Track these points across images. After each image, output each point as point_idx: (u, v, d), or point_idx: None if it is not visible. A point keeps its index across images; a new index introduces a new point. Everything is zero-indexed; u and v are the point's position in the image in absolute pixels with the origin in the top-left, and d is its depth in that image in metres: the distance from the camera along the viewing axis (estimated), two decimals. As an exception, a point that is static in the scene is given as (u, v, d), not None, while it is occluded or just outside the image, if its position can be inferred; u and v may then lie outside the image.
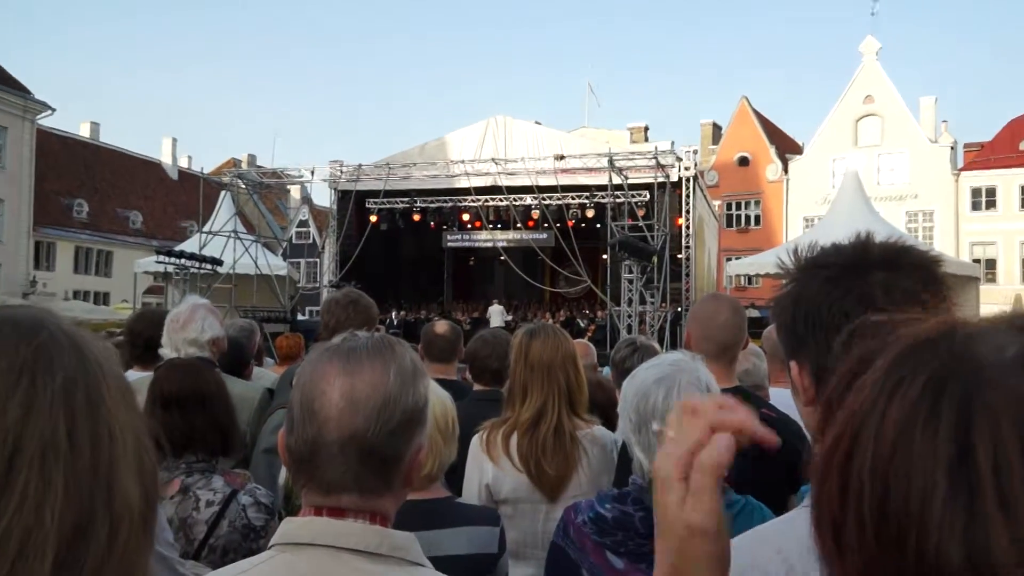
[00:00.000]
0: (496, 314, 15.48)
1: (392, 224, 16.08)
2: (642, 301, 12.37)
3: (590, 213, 14.82)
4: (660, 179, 13.09)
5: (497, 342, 2.01)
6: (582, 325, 15.66)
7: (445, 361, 2.17)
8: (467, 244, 17.67)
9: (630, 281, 12.36)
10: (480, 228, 16.28)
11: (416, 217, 16.20)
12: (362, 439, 0.78)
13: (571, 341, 1.60)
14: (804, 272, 0.76)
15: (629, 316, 12.23)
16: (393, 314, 16.55)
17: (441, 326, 2.27)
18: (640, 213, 13.48)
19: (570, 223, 14.93)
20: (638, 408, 1.07)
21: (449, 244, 17.76)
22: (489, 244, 16.96)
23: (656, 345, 2.11)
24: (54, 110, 18.69)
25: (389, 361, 0.83)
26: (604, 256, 16.40)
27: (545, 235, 16.04)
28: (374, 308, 2.07)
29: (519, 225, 15.32)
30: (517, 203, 14.74)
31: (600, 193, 13.54)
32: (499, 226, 17.27)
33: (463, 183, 14.50)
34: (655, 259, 12.38)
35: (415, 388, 0.82)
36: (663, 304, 13.61)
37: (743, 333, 1.63)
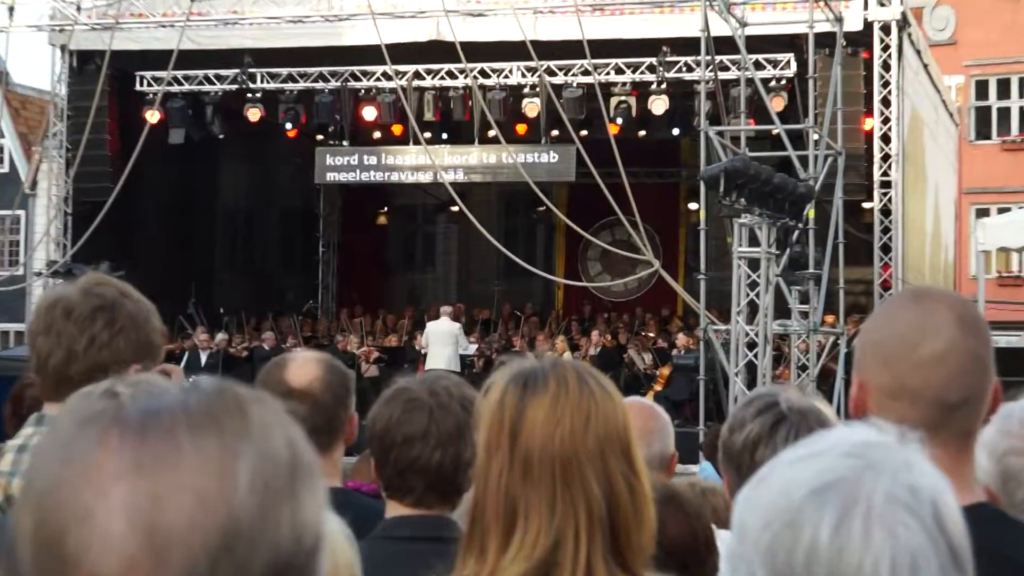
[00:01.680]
0: (442, 336, 17.76)
1: (197, 128, 18.09)
2: (782, 310, 13.55)
3: (658, 106, 16.72)
4: (821, 27, 13.39)
5: (442, 405, 2.20)
6: (642, 364, 18.38)
7: (320, 450, 2.26)
8: (374, 178, 19.75)
9: (751, 264, 13.13)
10: (403, 140, 18.47)
11: (254, 114, 18.08)
12: None
13: (617, 402, 1.65)
14: None
15: (750, 342, 13.21)
16: (201, 336, 18.60)
17: (304, 367, 2.52)
18: (776, 105, 14.41)
19: (613, 129, 16.46)
20: (773, 558, 0.98)
21: (332, 177, 20.08)
22: (427, 178, 19.67)
23: (823, 408, 2.19)
24: None
25: (235, 443, 0.82)
26: (691, 207, 20.00)
27: (554, 157, 18.25)
28: (154, 319, 2.17)
29: (494, 135, 17.03)
30: (490, 84, 16.83)
31: (681, 63, 14.94)
32: (449, 137, 19.63)
33: (364, 36, 15.84)
34: (809, 214, 13.29)
35: (294, 507, 0.83)
36: (831, 317, 15.22)
37: (986, 377, 1.63)
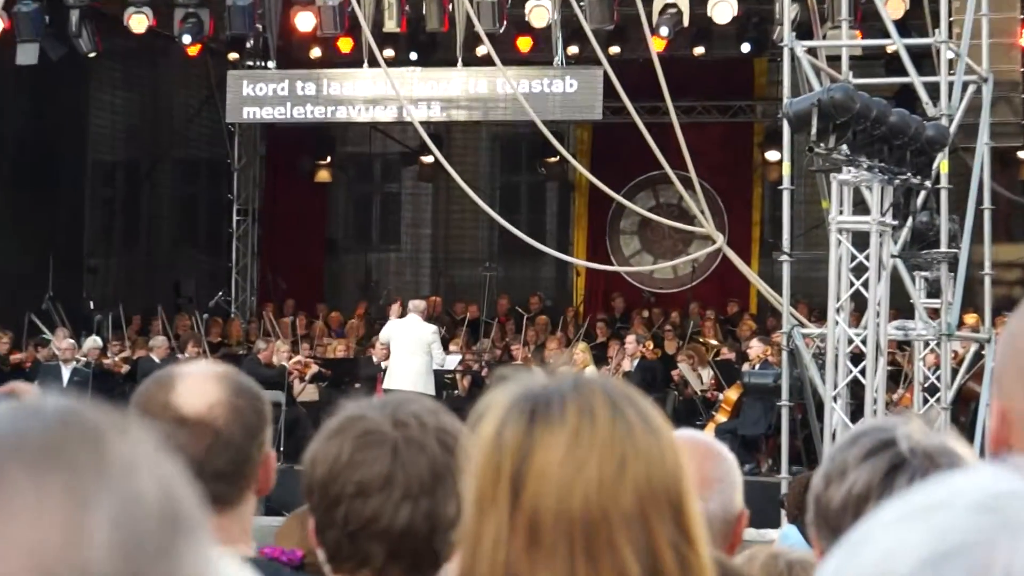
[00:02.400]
0: (410, 343, 17.91)
1: (57, 43, 19.00)
2: (901, 307, 14.30)
3: (722, 11, 17.27)
4: None
5: (411, 440, 2.29)
6: (699, 384, 18.75)
7: (221, 502, 2.49)
8: (311, 115, 19.99)
9: (856, 240, 13.47)
10: (354, 60, 19.12)
11: (139, 22, 18.87)
12: None
13: (664, 439, 1.70)
14: None
15: (856, 353, 13.54)
16: (62, 343, 19.10)
17: (199, 387, 2.58)
18: (893, 10, 15.13)
19: (658, 45, 16.93)
20: None
21: (251, 114, 20.30)
22: (388, 115, 20.22)
23: (960, 449, 2.26)
24: None
25: (88, 487, 0.87)
26: (770, 157, 20.43)
27: (572, 86, 18.65)
28: None
29: (485, 54, 17.09)
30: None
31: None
32: (420, 57, 20.90)
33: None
34: (941, 167, 13.61)
35: (169, 572, 0.88)
36: (972, 317, 16.24)
37: None
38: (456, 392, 18.70)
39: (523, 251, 20.31)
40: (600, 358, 19.26)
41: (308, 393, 19.12)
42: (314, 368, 19.27)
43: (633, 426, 1.67)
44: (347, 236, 26.52)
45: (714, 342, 20.13)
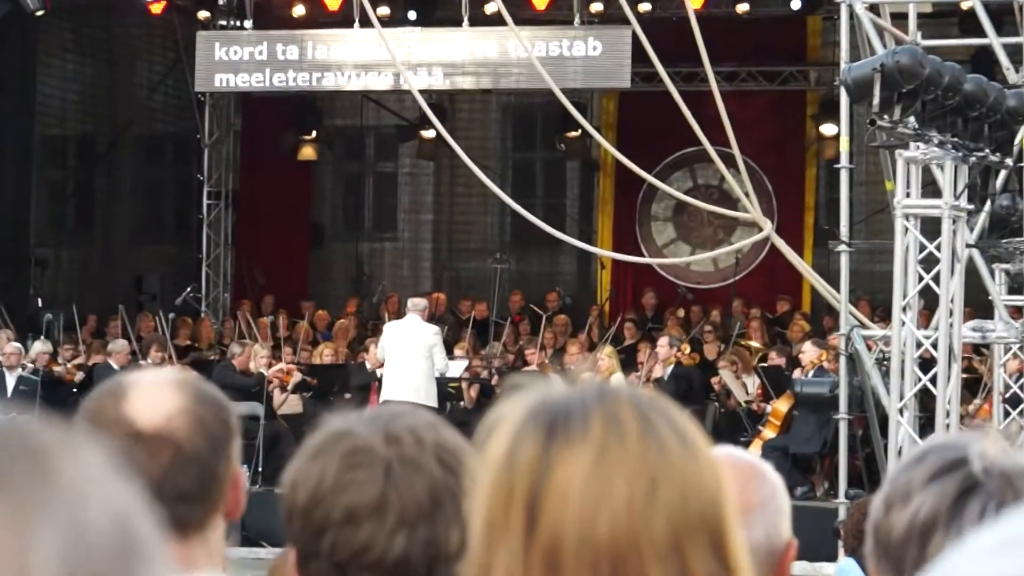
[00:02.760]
0: (409, 347, 17.82)
1: None
2: (978, 305, 14.64)
3: None
4: None
5: (407, 460, 2.32)
6: (743, 395, 18.82)
7: (184, 526, 2.56)
8: (293, 83, 20.23)
9: (925, 227, 13.55)
10: (343, 20, 19.69)
11: None
12: None
13: (703, 457, 1.72)
14: None
15: (925, 358, 13.73)
16: (6, 348, 18.88)
17: (157, 396, 2.63)
18: None
19: (695, 1, 17.40)
20: None
21: (224, 82, 20.51)
22: (383, 84, 20.49)
23: None
24: None
25: (30, 514, 0.88)
26: (825, 131, 20.69)
27: (596, 49, 18.78)
28: None
29: (494, 12, 17.67)
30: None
31: None
32: (419, 16, 20.65)
33: None
34: None
35: None
36: None
37: None
38: (462, 404, 18.79)
39: (539, 240, 20.46)
40: (629, 364, 19.32)
41: (290, 405, 19.16)
42: (297, 376, 19.29)
43: (666, 443, 1.68)
44: (335, 223, 26.54)
45: (760, 345, 20.21)
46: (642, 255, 22.67)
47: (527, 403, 1.71)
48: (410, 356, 17.51)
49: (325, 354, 20.41)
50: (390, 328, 18.19)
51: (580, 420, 1.67)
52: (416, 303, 18.26)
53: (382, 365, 18.02)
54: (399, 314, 18.23)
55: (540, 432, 1.68)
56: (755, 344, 20.24)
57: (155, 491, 1.78)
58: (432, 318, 19.11)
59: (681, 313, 21.93)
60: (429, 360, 17.62)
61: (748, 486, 2.83)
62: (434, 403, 16.89)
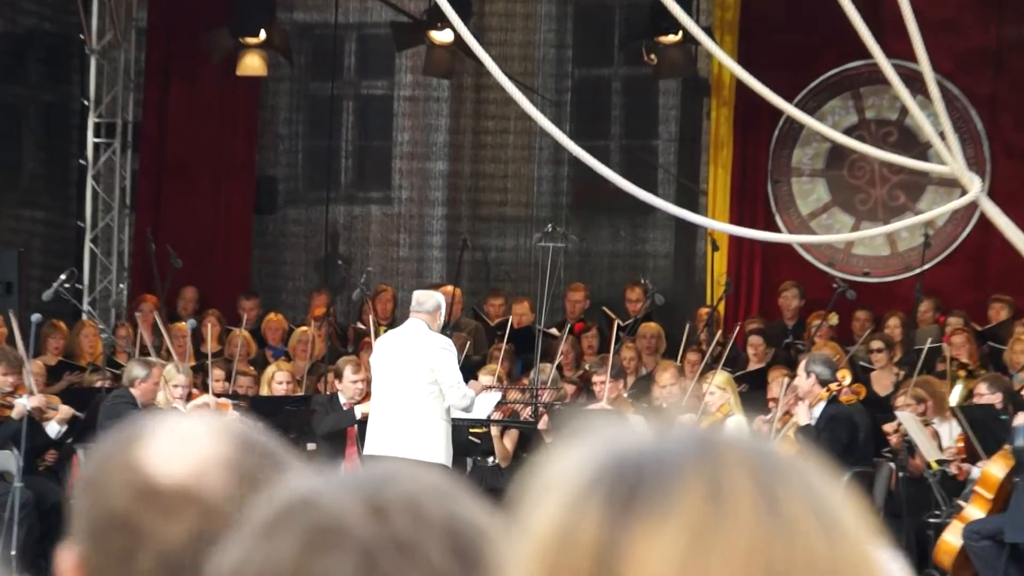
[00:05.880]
0: (408, 370, 18.41)
1: None
2: None
3: None
4: None
5: (402, 544, 2.41)
6: (932, 456, 19.35)
7: None
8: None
9: None
10: None
11: None
12: None
13: (856, 546, 1.80)
14: None
15: None
16: None
17: (189, 441, 2.88)
18: None
19: None
20: None
21: None
22: None
23: None
24: None
25: None
26: None
27: None
28: None
29: None
30: None
31: None
32: None
33: None
34: None
35: None
36: None
37: None
38: (491, 460, 18.97)
39: (615, 205, 21.03)
40: (753, 400, 19.46)
41: None
42: (233, 416, 18.95)
43: (797, 524, 1.72)
44: (294, 176, 26.81)
45: (965, 373, 20.15)
46: (777, 229, 22.92)
47: (591, 460, 1.76)
48: (408, 385, 17.57)
49: (277, 381, 20.47)
50: (383, 344, 18.28)
51: (668, 487, 1.73)
52: (423, 300, 18.28)
53: (365, 398, 18.13)
54: (394, 319, 18.07)
55: (609, 503, 1.74)
56: (957, 372, 20.16)
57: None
58: (445, 326, 19.21)
59: (836, 320, 22.01)
60: (437, 391, 17.70)
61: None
62: (444, 457, 17.05)
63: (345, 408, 18.84)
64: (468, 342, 20.77)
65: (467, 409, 18.23)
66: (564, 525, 1.73)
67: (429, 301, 18.26)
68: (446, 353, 17.89)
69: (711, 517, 1.70)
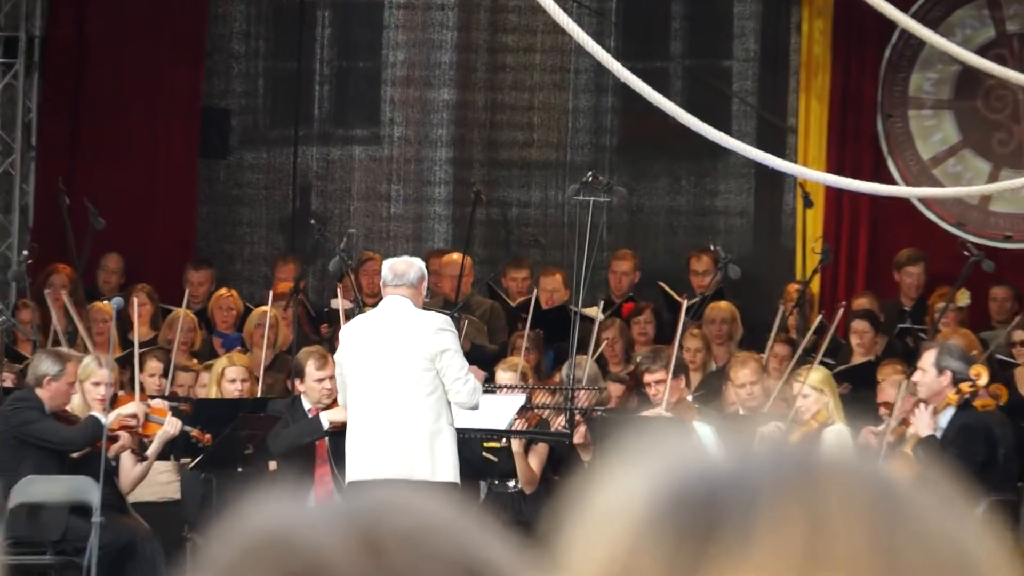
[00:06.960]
0: (400, 362, 18.51)
1: None
2: None
3: None
4: None
5: None
6: None
7: None
8: None
9: None
10: None
11: None
12: None
13: None
14: None
15: None
16: None
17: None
18: None
19: None
20: None
21: None
22: None
23: None
24: None
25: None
26: None
27: None
28: None
29: None
30: None
31: None
32: None
33: None
34: None
35: None
36: None
37: None
38: (513, 485, 18.76)
39: (675, 149, 20.42)
40: (860, 404, 19.33)
41: (156, 483, 19.49)
42: (173, 426, 19.35)
43: (907, 555, 1.87)
44: (252, 108, 26.91)
45: None
46: (890, 180, 22.51)
47: (652, 488, 1.94)
48: (399, 383, 17.42)
49: (228, 378, 20.55)
50: (354, 333, 17.84)
51: (752, 525, 1.89)
52: (401, 270, 17.99)
53: (331, 403, 18.03)
54: (376, 298, 18.19)
55: (678, 545, 1.91)
56: None
57: None
58: (445, 302, 19.56)
59: (967, 300, 21.91)
60: (437, 387, 17.30)
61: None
62: (453, 474, 16.97)
63: (310, 415, 18.68)
64: (482, 327, 20.80)
65: (475, 407, 17.98)
66: (623, 562, 1.89)
67: (411, 271, 18.13)
68: (447, 336, 17.79)
69: (808, 564, 1.84)
